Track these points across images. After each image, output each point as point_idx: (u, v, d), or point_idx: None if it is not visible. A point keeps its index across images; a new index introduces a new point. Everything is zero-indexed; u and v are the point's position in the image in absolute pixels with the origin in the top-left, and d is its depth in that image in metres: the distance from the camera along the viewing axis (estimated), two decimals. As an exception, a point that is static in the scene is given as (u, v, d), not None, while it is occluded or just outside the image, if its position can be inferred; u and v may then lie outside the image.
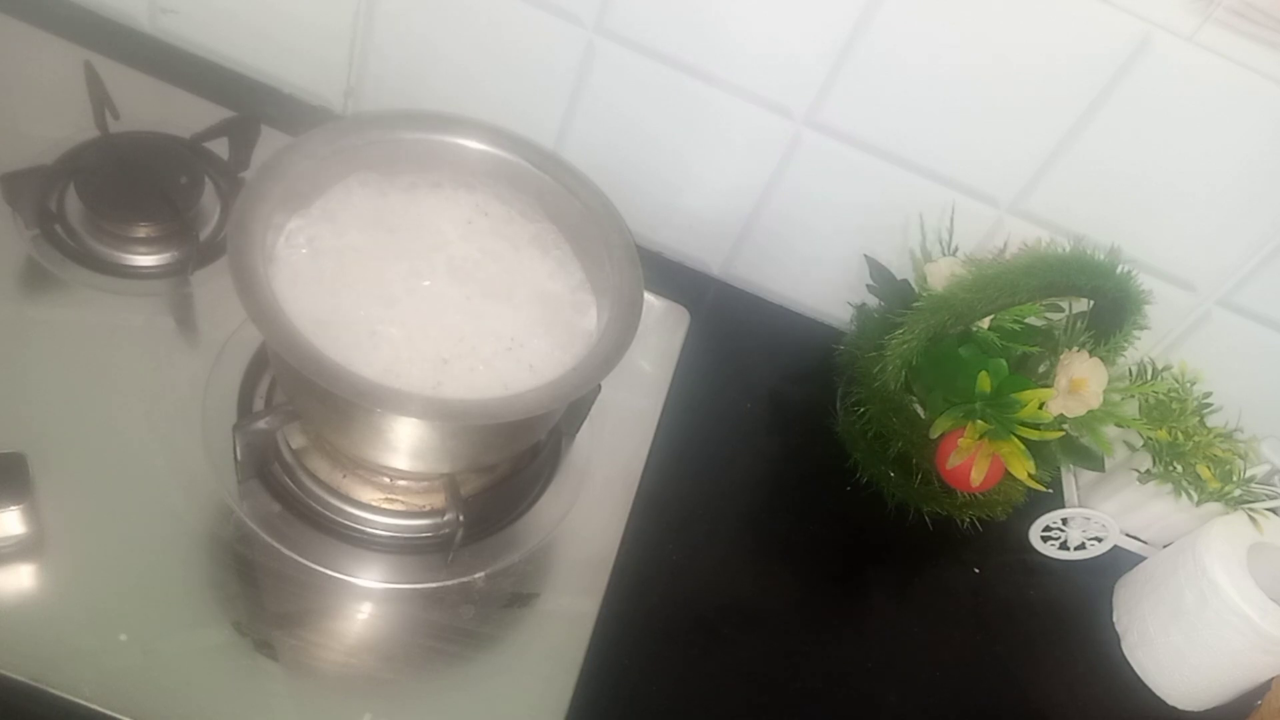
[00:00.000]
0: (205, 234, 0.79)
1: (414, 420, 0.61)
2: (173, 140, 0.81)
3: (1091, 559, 0.89)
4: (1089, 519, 0.87)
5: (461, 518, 0.66)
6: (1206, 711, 0.83)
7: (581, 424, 0.77)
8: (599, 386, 0.69)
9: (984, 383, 0.76)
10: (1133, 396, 0.81)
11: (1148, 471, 0.82)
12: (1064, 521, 0.88)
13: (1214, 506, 0.81)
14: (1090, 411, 0.77)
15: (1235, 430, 0.85)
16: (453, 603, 0.67)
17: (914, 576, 0.85)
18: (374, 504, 0.70)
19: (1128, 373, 0.83)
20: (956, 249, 0.86)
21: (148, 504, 0.65)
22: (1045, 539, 0.89)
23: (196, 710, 0.58)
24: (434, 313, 0.65)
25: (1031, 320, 0.82)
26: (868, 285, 0.88)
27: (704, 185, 0.91)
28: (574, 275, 0.71)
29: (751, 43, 0.80)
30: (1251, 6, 0.70)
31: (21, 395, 0.67)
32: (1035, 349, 0.80)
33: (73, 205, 0.76)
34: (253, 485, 0.68)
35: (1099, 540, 0.88)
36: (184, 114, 0.83)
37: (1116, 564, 0.89)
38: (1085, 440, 0.80)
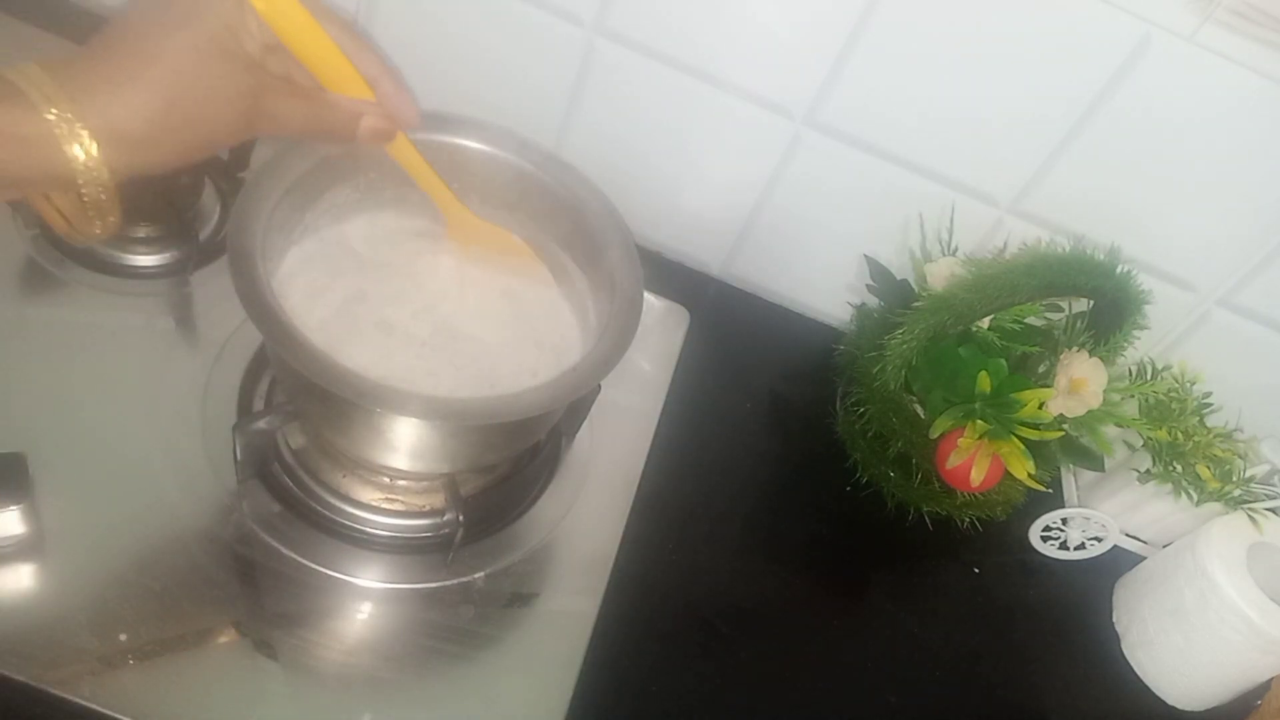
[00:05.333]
0: (205, 234, 0.79)
1: (414, 420, 0.61)
2: (173, 140, 0.81)
3: (1091, 559, 0.89)
4: (1089, 519, 0.87)
5: (461, 518, 0.66)
6: (1206, 711, 0.83)
7: (581, 424, 0.77)
8: (599, 386, 0.69)
9: (984, 383, 0.76)
10: (1133, 396, 0.81)
11: (1147, 471, 0.82)
12: (1064, 521, 0.88)
13: (1214, 506, 0.81)
14: (1090, 411, 0.77)
15: (1235, 430, 0.84)
16: (453, 603, 0.67)
17: (914, 576, 0.85)
18: (374, 504, 0.70)
19: (1128, 373, 0.83)
20: (956, 249, 0.85)
21: (148, 504, 0.65)
22: (1045, 539, 0.89)
23: (196, 710, 0.58)
24: (420, 365, 0.65)
25: (1031, 320, 0.82)
26: (868, 285, 0.88)
27: (704, 185, 0.91)
28: (570, 322, 0.71)
29: (751, 42, 0.80)
30: (1251, 6, 0.70)
31: (21, 395, 0.67)
32: (1035, 349, 0.80)
33: (72, 205, 0.76)
34: (253, 485, 0.68)
35: (1099, 540, 0.88)
36: (184, 114, 0.83)
37: (1116, 564, 0.89)
38: (1085, 440, 0.80)
